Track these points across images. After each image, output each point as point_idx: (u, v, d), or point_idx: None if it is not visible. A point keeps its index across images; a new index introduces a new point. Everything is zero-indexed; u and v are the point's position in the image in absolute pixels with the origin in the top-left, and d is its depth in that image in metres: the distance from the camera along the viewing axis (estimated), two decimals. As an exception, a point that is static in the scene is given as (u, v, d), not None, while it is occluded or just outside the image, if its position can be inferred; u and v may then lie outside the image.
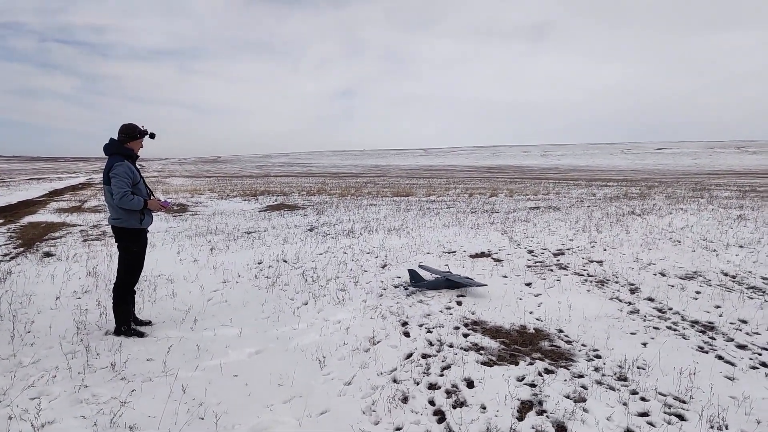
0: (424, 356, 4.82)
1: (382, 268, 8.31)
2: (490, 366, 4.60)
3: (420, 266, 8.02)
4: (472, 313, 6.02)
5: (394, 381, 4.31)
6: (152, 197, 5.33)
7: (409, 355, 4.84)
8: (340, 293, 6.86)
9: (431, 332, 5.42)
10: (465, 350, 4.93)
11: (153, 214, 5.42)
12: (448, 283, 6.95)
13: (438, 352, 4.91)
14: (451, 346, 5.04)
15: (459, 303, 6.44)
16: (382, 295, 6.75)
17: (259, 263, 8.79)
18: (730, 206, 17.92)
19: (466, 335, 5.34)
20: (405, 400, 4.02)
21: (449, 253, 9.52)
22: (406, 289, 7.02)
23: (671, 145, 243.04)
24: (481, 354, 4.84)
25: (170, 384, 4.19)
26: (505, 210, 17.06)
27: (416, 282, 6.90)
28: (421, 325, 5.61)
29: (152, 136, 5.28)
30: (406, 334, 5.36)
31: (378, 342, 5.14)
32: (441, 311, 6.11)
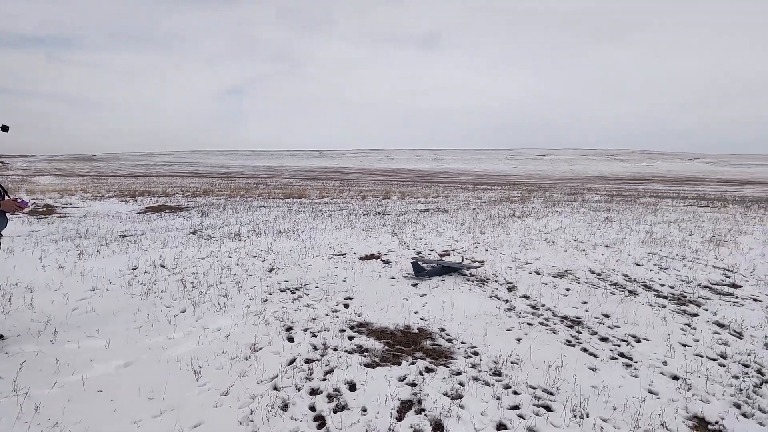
0: (308, 361, 4.76)
1: (269, 272, 8.13)
2: (374, 367, 4.63)
3: (415, 259, 8.73)
4: (359, 315, 6.05)
5: (275, 388, 4.21)
6: (6, 197, 4.81)
7: (292, 361, 4.76)
8: (222, 299, 6.61)
9: (316, 336, 5.37)
10: (349, 353, 4.93)
11: (8, 216, 4.90)
12: (444, 269, 8.06)
13: (322, 356, 4.87)
14: (335, 349, 5.02)
15: (346, 306, 6.45)
16: (267, 301, 6.58)
17: (133, 269, 8.24)
18: (599, 209, 19.60)
19: (351, 338, 5.35)
20: (285, 407, 3.94)
21: (339, 255, 9.53)
22: (409, 279, 7.81)
23: (550, 152, 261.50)
24: (365, 356, 4.87)
25: (20, 404, 3.79)
26: (396, 212, 17.40)
27: (419, 272, 7.91)
28: (306, 330, 5.54)
29: (5, 128, 4.76)
30: (290, 340, 5.27)
31: (260, 349, 5.00)
32: (327, 314, 6.07)
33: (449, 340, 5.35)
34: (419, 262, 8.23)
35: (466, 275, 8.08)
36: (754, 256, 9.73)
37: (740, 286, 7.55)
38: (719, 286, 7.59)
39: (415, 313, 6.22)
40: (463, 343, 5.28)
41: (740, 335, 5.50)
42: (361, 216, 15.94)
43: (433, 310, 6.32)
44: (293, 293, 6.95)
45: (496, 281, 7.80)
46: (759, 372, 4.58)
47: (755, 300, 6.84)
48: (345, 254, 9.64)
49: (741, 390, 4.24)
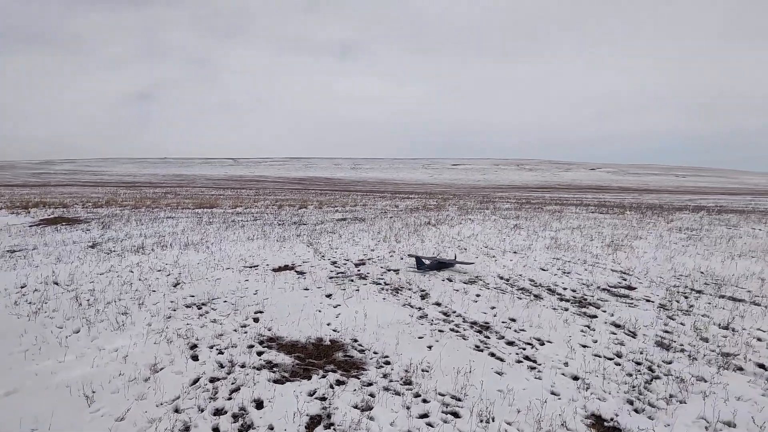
0: (213, 380, 4.57)
1: (174, 287, 7.75)
2: (283, 383, 4.52)
3: (412, 255, 9.91)
4: (269, 330, 5.89)
5: (176, 411, 4.00)
6: None
7: (196, 381, 4.54)
8: (121, 317, 6.21)
9: (223, 353, 5.16)
10: (257, 369, 4.78)
11: None
12: (440, 264, 9.26)
13: (228, 373, 4.69)
14: (243, 366, 4.85)
15: (256, 320, 6.26)
16: (170, 317, 6.26)
17: (22, 287, 7.59)
18: (509, 217, 20.38)
19: (260, 353, 5.19)
20: (186, 430, 3.74)
21: (251, 267, 9.26)
22: (413, 272, 9.06)
23: (464, 161, 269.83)
24: (274, 372, 4.74)
25: None
26: (313, 222, 17.23)
27: (421, 265, 9.15)
28: (212, 347, 5.32)
29: None
30: (195, 358, 5.03)
31: (161, 369, 4.73)
32: (235, 330, 5.87)
33: (362, 351, 5.32)
34: (422, 259, 9.44)
35: (458, 270, 9.32)
36: (648, 260, 10.45)
37: (635, 288, 8.07)
38: (616, 288, 8.07)
39: (328, 324, 6.15)
40: (375, 353, 5.27)
41: (634, 335, 5.86)
42: (276, 226, 15.64)
43: (347, 320, 6.27)
44: (200, 309, 6.66)
45: (410, 289, 7.87)
46: (650, 369, 4.89)
47: (648, 300, 7.33)
48: (257, 266, 9.39)
49: (634, 387, 4.50)
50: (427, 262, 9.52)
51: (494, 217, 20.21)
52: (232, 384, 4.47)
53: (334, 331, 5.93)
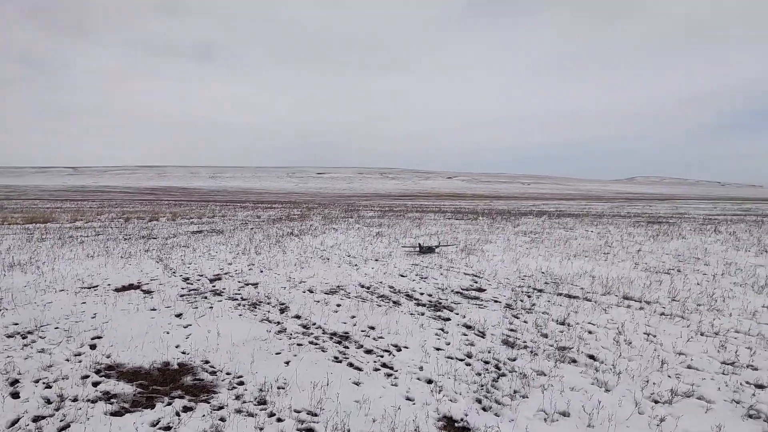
0: (37, 419, 4.04)
1: (-6, 314, 6.79)
2: (122, 415, 4.12)
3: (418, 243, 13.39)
4: (108, 357, 5.36)
5: (-14, 460, 3.46)
6: None
7: (15, 422, 3.98)
8: None
9: (51, 387, 4.59)
10: (92, 402, 4.31)
11: None
12: (429, 249, 12.46)
13: (57, 410, 4.17)
14: (75, 399, 4.35)
15: (93, 347, 5.67)
16: (-14, 350, 5.46)
17: None
18: (372, 225, 20.79)
19: (96, 384, 4.69)
20: (-2, 482, 3.24)
21: (90, 288, 8.42)
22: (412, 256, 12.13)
23: (330, 170, 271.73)
24: (111, 403, 4.30)
25: None
26: (164, 235, 16.17)
27: (422, 250, 12.44)
28: (37, 381, 4.71)
29: None
30: (15, 395, 4.42)
31: (-30, 413, 4.09)
32: (68, 359, 5.26)
33: (213, 373, 5.03)
34: (421, 244, 12.86)
35: (438, 252, 12.51)
36: (497, 262, 11.19)
37: (485, 290, 8.56)
38: (468, 291, 8.51)
39: (177, 347, 5.74)
40: (228, 374, 5.01)
41: (483, 335, 6.19)
42: (121, 241, 14.45)
43: (198, 341, 5.91)
44: (24, 338, 5.89)
45: (268, 303, 7.64)
46: (496, 367, 5.17)
47: (496, 301, 7.81)
48: (97, 286, 8.56)
49: (482, 386, 4.73)
50: (425, 247, 12.64)
51: (358, 225, 20.49)
52: (61, 421, 3.99)
53: (183, 353, 5.54)
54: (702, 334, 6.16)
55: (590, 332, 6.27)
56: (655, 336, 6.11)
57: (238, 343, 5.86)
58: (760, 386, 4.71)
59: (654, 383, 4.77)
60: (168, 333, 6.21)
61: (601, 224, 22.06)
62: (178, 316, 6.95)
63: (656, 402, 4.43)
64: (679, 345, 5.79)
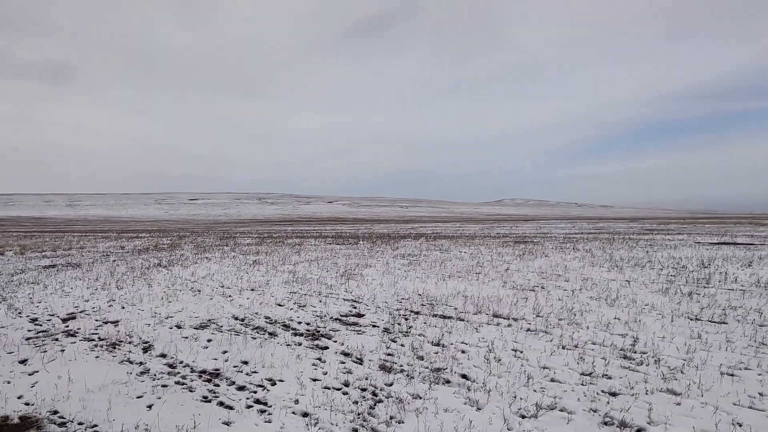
0: None
1: None
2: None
3: None
4: (-72, 417, 4.63)
5: None
6: None
7: None
8: None
9: None
10: None
11: None
12: None
13: None
14: None
15: None
16: None
17: None
18: (249, 252, 20.19)
19: None
20: None
21: None
22: None
23: (204, 195, 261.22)
24: (-70, 473, 3.71)
25: None
26: (9, 272, 14.50)
27: None
28: None
29: None
30: None
31: None
32: None
33: (62, 424, 4.53)
34: None
35: None
36: (375, 286, 11.32)
37: (363, 315, 8.61)
38: (347, 317, 8.50)
39: (19, 398, 5.12)
40: (80, 423, 4.54)
41: (361, 361, 6.19)
42: (-45, 280, 12.73)
43: (45, 389, 5.31)
44: None
45: (130, 342, 7.08)
46: (373, 394, 5.18)
47: (374, 326, 7.87)
48: None
49: (359, 414, 4.70)
50: None
51: (233, 253, 19.80)
52: None
53: (26, 404, 4.95)
54: (563, 348, 6.63)
55: (463, 351, 6.51)
56: (521, 352, 6.48)
57: (94, 388, 5.35)
58: (613, 394, 5.14)
59: (521, 398, 5.03)
60: (9, 383, 5.52)
61: (473, 245, 23.23)
62: (23, 362, 6.22)
63: (523, 417, 4.67)
64: (544, 359, 6.18)
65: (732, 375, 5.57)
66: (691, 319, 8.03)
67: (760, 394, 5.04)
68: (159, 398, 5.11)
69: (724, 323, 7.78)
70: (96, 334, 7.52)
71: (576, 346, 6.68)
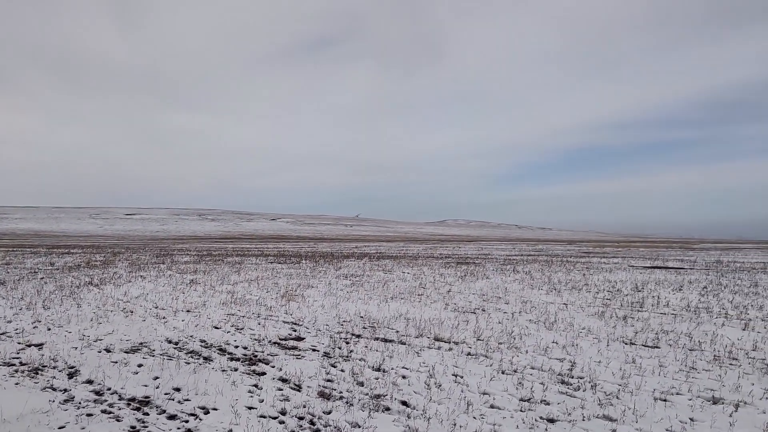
0: None
1: None
2: None
3: None
4: None
5: None
6: None
7: None
8: None
9: None
10: None
11: None
12: None
13: None
14: None
15: None
16: None
17: None
18: (186, 271, 19.58)
19: None
20: None
21: None
22: None
23: (141, 210, 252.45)
24: None
25: None
26: None
27: None
28: None
29: None
30: None
31: None
32: None
33: (-28, 461, 4.20)
34: None
35: None
36: (317, 308, 11.18)
37: (303, 339, 8.46)
38: (287, 340, 8.34)
39: (-77, 431, 4.72)
40: (-8, 459, 4.22)
41: (299, 388, 6.06)
42: None
43: (-46, 421, 4.92)
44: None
45: (54, 367, 6.69)
46: (311, 422, 5.07)
47: (314, 350, 7.75)
48: None
49: (295, 443, 4.59)
50: None
51: (170, 272, 19.16)
52: None
53: (-69, 439, 4.57)
54: (503, 372, 6.72)
55: (404, 377, 6.49)
56: (462, 377, 6.52)
57: (11, 418, 5.00)
58: (551, 420, 5.22)
59: (461, 426, 5.04)
60: None
61: (416, 266, 23.39)
62: (-69, 391, 5.75)
63: (461, 443, 4.68)
64: (484, 384, 6.24)
65: (665, 400, 5.78)
66: (626, 344, 8.31)
67: (692, 419, 5.25)
68: (83, 429, 4.83)
69: (657, 347, 8.09)
70: (17, 358, 7.07)
71: (515, 371, 6.78)
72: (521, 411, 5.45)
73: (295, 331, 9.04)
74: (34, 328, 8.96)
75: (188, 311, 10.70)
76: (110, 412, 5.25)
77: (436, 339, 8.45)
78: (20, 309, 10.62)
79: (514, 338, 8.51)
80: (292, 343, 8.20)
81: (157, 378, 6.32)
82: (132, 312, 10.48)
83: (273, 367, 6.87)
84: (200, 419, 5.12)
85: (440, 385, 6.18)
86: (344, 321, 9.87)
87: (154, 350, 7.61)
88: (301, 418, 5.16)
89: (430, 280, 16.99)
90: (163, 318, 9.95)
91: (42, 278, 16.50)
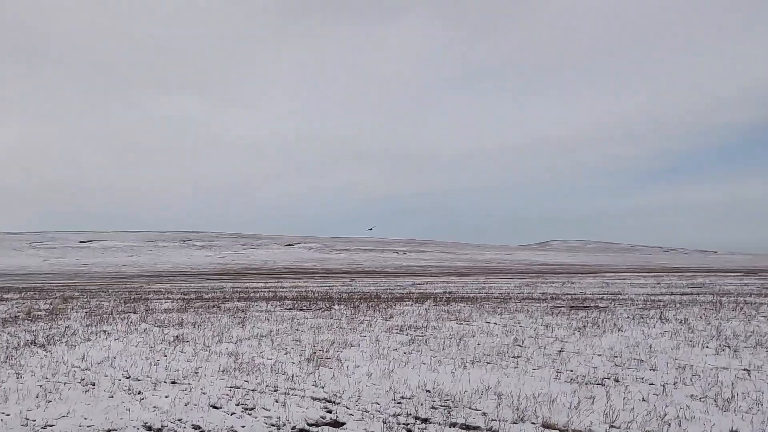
0: None
1: None
2: None
3: None
4: None
5: None
6: None
7: None
8: None
9: None
10: None
11: None
12: None
13: None
14: None
15: None
16: None
17: None
18: (168, 323, 20.06)
19: None
20: None
21: None
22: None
23: (102, 236, 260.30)
24: None
25: None
26: None
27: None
28: None
29: None
30: None
31: None
32: None
33: None
34: None
35: None
36: (360, 377, 11.19)
37: (343, 424, 8.47)
38: (319, 427, 8.37)
39: None
40: None
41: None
42: None
43: None
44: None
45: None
46: None
47: (360, 441, 7.74)
48: None
49: None
50: None
51: (145, 325, 19.65)
52: None
53: None
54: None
55: (499, 483, 6.38)
56: (588, 483, 6.36)
57: None
58: None
59: None
60: None
61: (507, 312, 23.18)
62: None
63: None
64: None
65: None
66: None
67: None
68: None
69: None
70: (-67, 454, 7.34)
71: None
72: None
73: (329, 412, 9.07)
74: (-44, 408, 9.30)
75: (174, 383, 10.89)
76: None
77: (547, 426, 8.29)
78: (-64, 381, 11.05)
79: (669, 424, 8.26)
80: (326, 429, 8.21)
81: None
82: (94, 384, 10.75)
83: (301, 467, 6.89)
84: None
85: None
86: (402, 397, 9.83)
87: (126, 441, 7.77)
88: None
89: (531, 333, 16.78)
90: (139, 393, 10.16)
91: (-33, 336, 17.17)
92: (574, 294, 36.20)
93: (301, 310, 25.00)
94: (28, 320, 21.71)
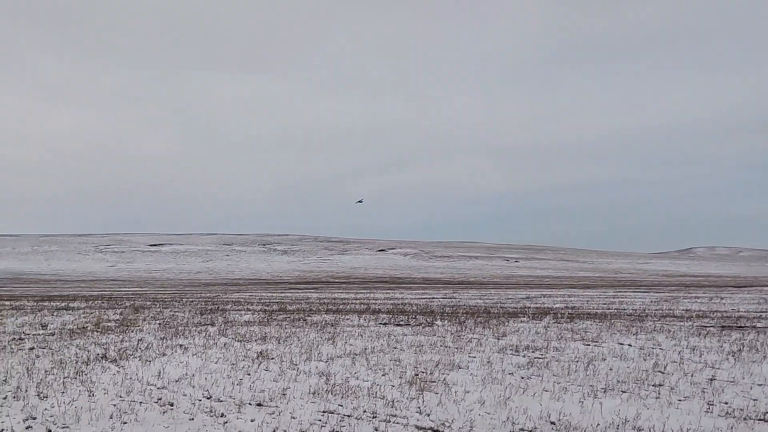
0: None
1: None
2: None
3: None
4: None
5: None
6: None
7: None
8: None
9: None
10: None
11: None
12: None
13: None
14: None
15: None
16: None
17: None
18: (249, 337, 20.38)
19: None
20: None
21: None
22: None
23: (173, 239, 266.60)
24: None
25: None
26: None
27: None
28: None
29: None
30: None
31: None
32: None
33: None
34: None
35: None
36: (471, 404, 11.09)
37: (455, 458, 8.40)
38: (427, 460, 8.33)
39: None
40: None
41: None
42: None
43: None
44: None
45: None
46: None
47: (476, 479, 7.66)
48: None
49: None
50: None
51: (224, 339, 20.02)
52: None
53: None
54: None
55: None
56: None
57: None
58: None
59: None
60: None
61: (643, 331, 22.64)
62: None
63: None
64: None
65: None
66: None
67: None
68: None
69: None
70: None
71: None
72: None
73: (438, 444, 9.01)
74: (27, 429, 9.65)
75: (260, 405, 11.04)
76: None
77: (696, 467, 8.03)
78: (4, 398, 11.50)
79: None
80: (436, 465, 8.16)
81: None
82: (172, 405, 11.00)
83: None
84: None
85: None
86: (522, 429, 9.70)
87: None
88: None
89: (674, 358, 16.33)
90: (222, 416, 10.33)
91: (32, 348, 17.86)
92: (725, 311, 35.08)
93: (398, 325, 25.04)
94: (97, 332, 22.40)
